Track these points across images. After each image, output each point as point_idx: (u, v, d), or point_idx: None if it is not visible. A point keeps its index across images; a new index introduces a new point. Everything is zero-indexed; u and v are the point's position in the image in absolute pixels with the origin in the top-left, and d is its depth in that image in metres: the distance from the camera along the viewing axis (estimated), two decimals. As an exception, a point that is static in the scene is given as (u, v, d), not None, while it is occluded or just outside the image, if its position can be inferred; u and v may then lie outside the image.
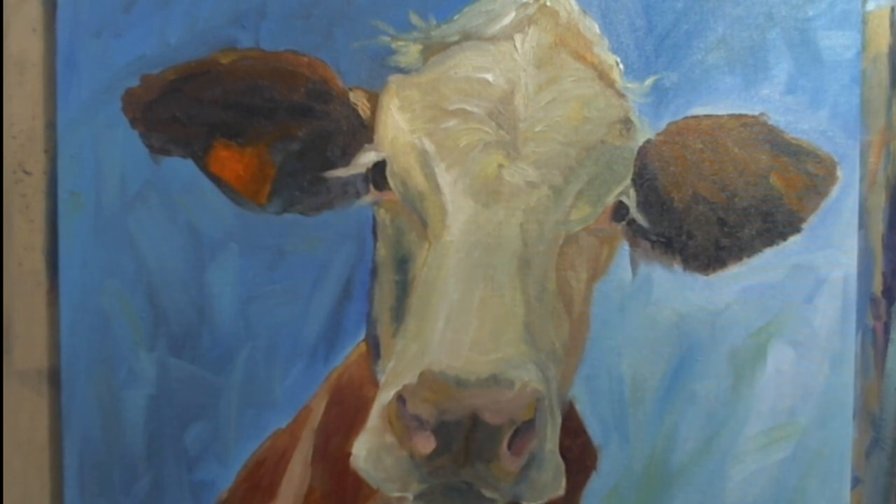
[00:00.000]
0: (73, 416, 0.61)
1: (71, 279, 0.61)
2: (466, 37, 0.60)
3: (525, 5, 0.60)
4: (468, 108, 0.58)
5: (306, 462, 0.61)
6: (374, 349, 0.60)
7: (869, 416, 0.65)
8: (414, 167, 0.58)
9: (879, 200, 0.66)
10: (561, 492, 0.57)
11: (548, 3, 0.60)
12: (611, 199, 0.60)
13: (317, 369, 0.61)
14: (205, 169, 0.60)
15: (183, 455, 0.61)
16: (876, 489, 0.66)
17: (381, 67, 0.60)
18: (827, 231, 0.63)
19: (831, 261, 0.63)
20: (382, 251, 0.60)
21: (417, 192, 0.58)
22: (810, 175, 0.62)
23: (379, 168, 0.60)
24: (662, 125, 0.62)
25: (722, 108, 0.62)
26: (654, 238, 0.62)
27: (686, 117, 0.62)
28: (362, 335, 0.61)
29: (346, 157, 0.61)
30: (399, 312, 0.58)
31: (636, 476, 0.62)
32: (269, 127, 0.60)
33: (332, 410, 0.61)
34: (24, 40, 0.61)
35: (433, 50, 0.60)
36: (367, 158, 0.60)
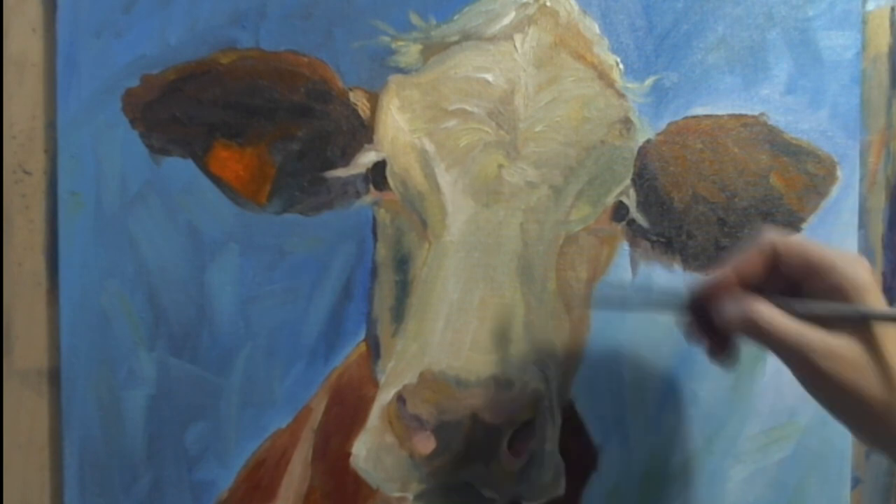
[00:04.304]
0: (73, 416, 0.61)
1: (71, 279, 0.61)
2: (466, 37, 0.60)
3: (525, 5, 0.60)
4: (468, 108, 0.58)
5: (306, 462, 0.61)
6: (374, 349, 0.60)
7: (869, 416, 0.65)
8: (414, 167, 0.58)
9: (879, 200, 0.65)
10: (561, 492, 0.57)
11: (548, 3, 0.60)
12: (611, 199, 0.60)
13: (317, 369, 0.61)
14: (205, 169, 0.60)
15: (183, 455, 0.61)
16: (876, 489, 0.66)
17: (381, 67, 0.60)
18: (827, 231, 0.63)
19: (831, 261, 0.63)
20: (382, 251, 0.60)
21: (417, 192, 0.58)
22: (810, 175, 0.62)
23: (379, 168, 0.60)
24: (662, 125, 0.62)
25: (722, 108, 0.62)
26: (654, 238, 0.62)
27: (686, 117, 0.62)
28: (362, 335, 0.61)
29: (346, 157, 0.61)
30: (399, 312, 0.58)
31: (636, 476, 0.62)
32: (269, 127, 0.60)
33: (332, 410, 0.61)
34: (24, 40, 0.61)
35: (433, 50, 0.60)
36: (367, 158, 0.60)
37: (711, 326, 0.48)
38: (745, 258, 0.47)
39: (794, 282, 0.46)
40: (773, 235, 0.46)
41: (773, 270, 0.46)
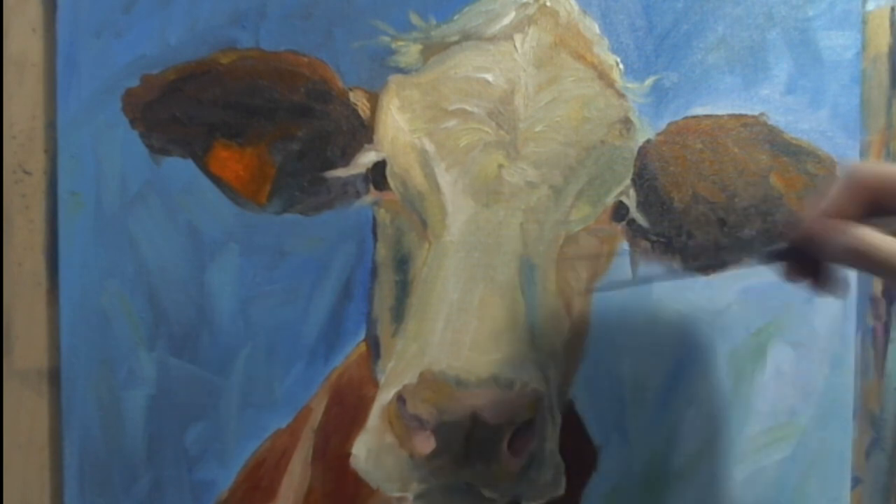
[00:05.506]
0: (73, 416, 0.61)
1: (71, 279, 0.61)
2: (466, 37, 0.60)
3: (525, 5, 0.60)
4: (468, 108, 0.58)
5: (306, 462, 0.61)
6: (374, 349, 0.60)
7: (869, 416, 0.65)
8: (414, 167, 0.58)
9: (879, 200, 0.65)
10: (561, 492, 0.57)
11: (548, 3, 0.60)
12: (611, 199, 0.60)
13: (317, 369, 0.61)
14: (205, 169, 0.60)
15: (183, 455, 0.61)
16: (876, 489, 0.66)
17: (381, 67, 0.60)
18: (827, 231, 0.62)
19: (831, 261, 0.63)
20: (382, 251, 0.60)
21: (417, 192, 0.58)
22: (810, 175, 0.62)
23: (379, 168, 0.60)
24: (662, 125, 0.62)
25: (722, 108, 0.62)
26: (654, 238, 0.62)
27: (686, 117, 0.62)
28: (362, 335, 0.61)
29: (346, 157, 0.61)
30: (399, 312, 0.58)
31: (636, 476, 0.62)
32: (269, 127, 0.60)
33: (332, 410, 0.61)
34: (24, 40, 0.61)
35: (433, 50, 0.60)
36: (367, 158, 0.60)
37: (811, 264, 0.47)
38: (835, 198, 0.44)
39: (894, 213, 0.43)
40: (862, 171, 0.43)
41: (865, 207, 0.43)
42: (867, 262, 0.42)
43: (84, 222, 0.60)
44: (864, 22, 0.63)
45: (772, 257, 0.50)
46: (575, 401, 0.61)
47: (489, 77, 0.59)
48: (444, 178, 0.57)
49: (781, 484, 0.63)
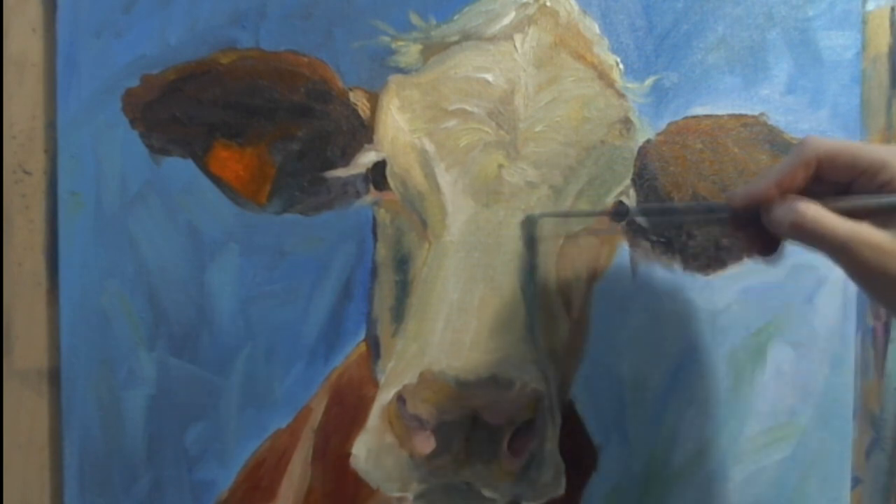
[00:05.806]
0: (73, 416, 0.61)
1: (71, 279, 0.61)
2: (466, 37, 0.60)
3: (525, 5, 0.60)
4: (468, 108, 0.58)
5: (306, 462, 0.61)
6: (374, 349, 0.60)
7: (869, 416, 0.65)
8: (414, 167, 0.58)
9: (879, 200, 0.65)
10: (561, 492, 0.57)
11: (548, 3, 0.60)
12: (611, 199, 0.60)
13: (317, 369, 0.61)
14: (205, 169, 0.60)
15: (183, 455, 0.61)
16: (876, 489, 0.66)
17: (381, 67, 0.60)
18: (827, 231, 0.62)
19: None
20: (382, 251, 0.60)
21: (417, 192, 0.58)
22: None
23: (379, 168, 0.60)
24: (662, 125, 0.62)
25: (722, 108, 0.62)
26: (654, 238, 0.62)
27: (686, 117, 0.62)
28: (362, 335, 0.61)
29: (346, 157, 0.61)
30: (399, 312, 0.58)
31: (636, 476, 0.62)
32: (269, 127, 0.60)
33: (332, 410, 0.61)
34: (24, 40, 0.61)
35: (433, 50, 0.60)
36: (367, 158, 0.60)
37: (755, 228, 0.48)
38: (788, 171, 0.45)
39: (842, 185, 0.45)
40: (814, 144, 0.45)
41: (817, 178, 0.45)
42: (805, 236, 0.44)
43: (84, 222, 0.60)
44: (864, 22, 0.63)
45: (713, 221, 0.53)
46: (575, 401, 0.61)
47: (489, 77, 0.59)
48: (444, 178, 0.57)
49: (781, 484, 0.63)
